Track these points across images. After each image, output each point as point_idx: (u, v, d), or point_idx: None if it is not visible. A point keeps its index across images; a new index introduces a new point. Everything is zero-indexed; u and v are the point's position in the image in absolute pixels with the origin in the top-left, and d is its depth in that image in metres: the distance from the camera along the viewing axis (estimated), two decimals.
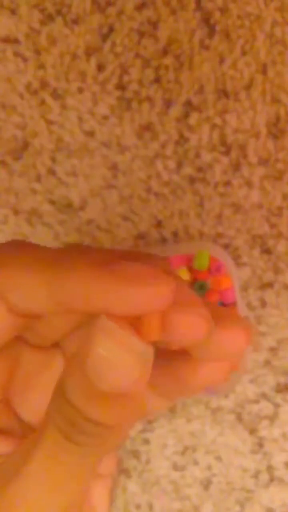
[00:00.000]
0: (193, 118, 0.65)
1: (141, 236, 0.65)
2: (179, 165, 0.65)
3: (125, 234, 0.65)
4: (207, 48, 0.62)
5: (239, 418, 0.65)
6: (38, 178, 0.64)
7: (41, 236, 0.65)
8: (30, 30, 0.64)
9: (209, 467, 0.66)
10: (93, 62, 0.62)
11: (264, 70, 0.62)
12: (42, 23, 0.63)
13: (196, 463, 0.65)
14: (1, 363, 0.37)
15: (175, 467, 0.65)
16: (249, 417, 0.64)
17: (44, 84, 0.65)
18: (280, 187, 0.63)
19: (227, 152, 0.65)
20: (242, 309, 0.61)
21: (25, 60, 0.62)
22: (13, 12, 0.63)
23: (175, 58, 0.62)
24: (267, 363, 0.67)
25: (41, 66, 0.62)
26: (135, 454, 0.65)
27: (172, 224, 0.66)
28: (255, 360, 0.66)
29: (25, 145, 0.63)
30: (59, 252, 0.31)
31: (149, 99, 0.63)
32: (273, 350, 0.67)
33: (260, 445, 0.65)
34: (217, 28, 0.62)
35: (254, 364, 0.66)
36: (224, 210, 0.65)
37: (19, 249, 0.32)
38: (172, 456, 0.65)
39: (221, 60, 0.65)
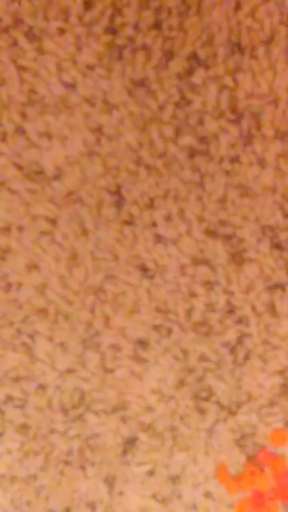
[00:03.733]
0: (198, 76, 0.62)
1: (128, 218, 0.63)
2: (178, 132, 0.63)
3: (111, 215, 0.63)
4: None
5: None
6: (4, 137, 0.63)
7: (7, 205, 0.63)
8: None
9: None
10: None
11: None
12: None
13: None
14: None
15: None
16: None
17: (17, 21, 0.62)
18: None
19: (237, 121, 0.63)
20: None
21: None
22: None
23: None
24: (282, 387, 0.65)
25: None
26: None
27: (165, 205, 0.63)
28: (261, 385, 0.64)
29: None
30: None
31: (145, 48, 0.62)
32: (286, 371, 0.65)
33: None
34: None
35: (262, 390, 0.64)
36: (229, 192, 0.63)
37: None
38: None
39: (237, 6, 0.62)
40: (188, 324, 0.62)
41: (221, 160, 0.62)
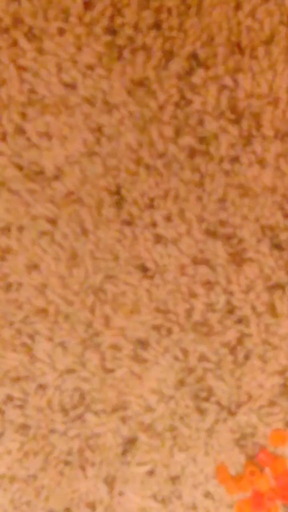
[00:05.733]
0: (198, 76, 0.62)
1: (128, 218, 0.63)
2: (178, 132, 0.63)
3: (111, 215, 0.63)
4: None
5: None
6: (4, 137, 0.63)
7: (7, 205, 0.63)
8: None
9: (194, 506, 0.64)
10: None
11: None
12: None
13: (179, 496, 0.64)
14: None
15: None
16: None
17: (17, 21, 0.62)
18: None
19: (237, 121, 0.63)
20: None
21: None
22: None
23: None
24: (282, 387, 0.64)
25: None
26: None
27: (165, 205, 0.63)
28: (261, 385, 0.64)
29: None
30: None
31: (145, 48, 0.62)
32: (286, 371, 0.64)
33: None
34: None
35: (261, 390, 0.64)
36: (229, 193, 0.63)
37: None
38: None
39: (237, 6, 0.62)
40: (188, 324, 0.62)
41: (221, 160, 0.62)
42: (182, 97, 0.62)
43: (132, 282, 0.62)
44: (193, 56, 0.62)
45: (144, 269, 0.63)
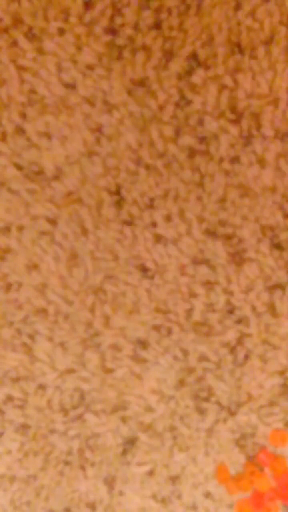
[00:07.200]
0: (198, 76, 0.62)
1: (128, 218, 0.63)
2: (178, 132, 0.62)
3: (111, 215, 0.63)
4: None
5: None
6: (4, 137, 0.63)
7: (7, 205, 0.63)
8: None
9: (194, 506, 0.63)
10: None
11: None
12: None
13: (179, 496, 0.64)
14: None
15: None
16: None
17: (17, 21, 0.63)
18: None
19: (237, 121, 0.63)
20: None
21: None
22: None
23: None
24: (282, 387, 0.64)
25: None
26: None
27: (165, 205, 0.63)
28: (261, 385, 0.64)
29: None
30: None
31: (145, 48, 0.62)
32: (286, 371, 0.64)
33: None
34: None
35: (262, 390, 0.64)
36: (229, 192, 0.63)
37: None
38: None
39: (237, 6, 0.62)
40: (188, 324, 0.62)
41: (221, 160, 0.62)
42: (182, 97, 0.62)
43: (132, 282, 0.62)
44: (193, 56, 0.62)
45: (144, 269, 0.62)
